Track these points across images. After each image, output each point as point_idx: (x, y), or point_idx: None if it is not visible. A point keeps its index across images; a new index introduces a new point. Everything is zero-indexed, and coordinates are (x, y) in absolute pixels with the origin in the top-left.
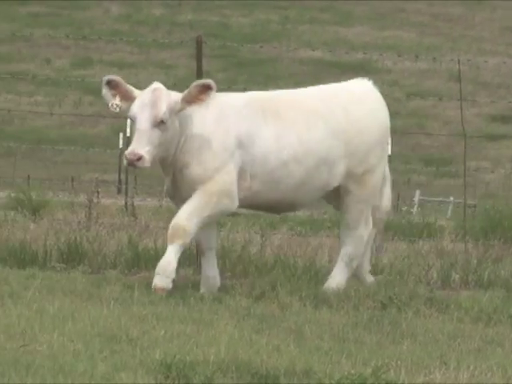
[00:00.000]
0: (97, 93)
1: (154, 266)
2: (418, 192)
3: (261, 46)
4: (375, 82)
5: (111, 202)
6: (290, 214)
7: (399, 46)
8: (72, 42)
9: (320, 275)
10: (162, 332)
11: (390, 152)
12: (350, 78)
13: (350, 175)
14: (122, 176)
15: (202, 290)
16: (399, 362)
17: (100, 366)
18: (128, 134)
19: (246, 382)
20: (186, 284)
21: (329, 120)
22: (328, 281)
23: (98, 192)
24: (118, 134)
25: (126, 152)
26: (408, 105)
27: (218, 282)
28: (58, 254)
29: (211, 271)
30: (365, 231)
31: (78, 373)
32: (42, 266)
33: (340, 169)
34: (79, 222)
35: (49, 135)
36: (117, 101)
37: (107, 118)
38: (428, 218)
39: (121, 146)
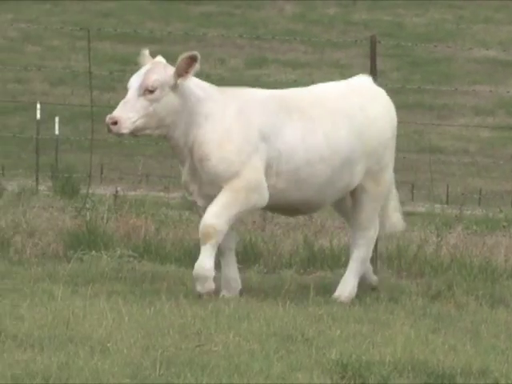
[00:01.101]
0: None
1: (330, 266)
2: None
3: (435, 46)
4: None
5: None
6: (466, 213)
7: None
8: (246, 41)
9: (496, 274)
10: (338, 332)
11: None
12: None
13: (367, 173)
14: None
15: (223, 292)
16: None
17: (276, 365)
18: None
19: (422, 381)
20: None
21: (351, 119)
22: (340, 286)
23: None
24: None
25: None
26: None
27: (239, 284)
28: None
29: (231, 273)
30: (375, 232)
31: (253, 372)
32: (217, 266)
33: (360, 168)
34: (254, 221)
35: None
36: None
37: None
38: None
39: None
